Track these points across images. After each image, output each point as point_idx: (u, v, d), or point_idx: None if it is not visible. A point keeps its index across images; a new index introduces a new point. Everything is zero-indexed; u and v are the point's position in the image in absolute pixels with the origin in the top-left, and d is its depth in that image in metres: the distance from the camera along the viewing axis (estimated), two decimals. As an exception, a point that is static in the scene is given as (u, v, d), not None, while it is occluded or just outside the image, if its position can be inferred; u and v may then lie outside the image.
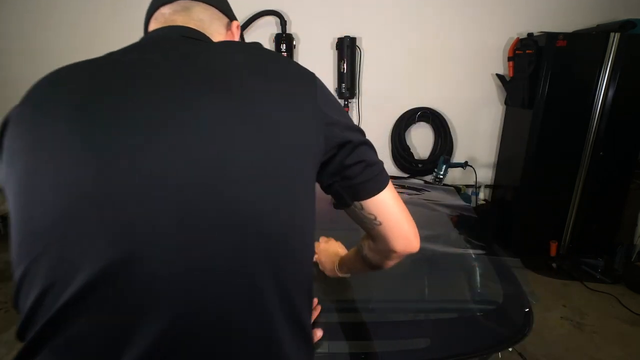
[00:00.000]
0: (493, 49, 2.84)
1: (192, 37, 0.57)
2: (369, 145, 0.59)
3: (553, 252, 2.64)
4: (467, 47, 2.84)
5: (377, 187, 0.58)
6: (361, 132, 0.59)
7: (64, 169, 0.42)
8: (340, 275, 0.87)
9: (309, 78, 0.54)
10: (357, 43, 2.79)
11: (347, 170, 0.56)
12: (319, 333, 0.76)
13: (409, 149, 3.03)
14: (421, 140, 3.07)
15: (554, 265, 2.60)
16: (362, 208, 0.59)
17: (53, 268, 0.42)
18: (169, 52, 0.51)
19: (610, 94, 2.38)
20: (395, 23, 2.82)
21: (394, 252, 0.63)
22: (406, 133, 3.01)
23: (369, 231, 0.64)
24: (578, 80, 2.42)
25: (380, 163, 0.60)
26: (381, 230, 0.61)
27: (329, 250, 0.93)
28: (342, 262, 0.86)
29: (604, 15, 2.69)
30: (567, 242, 2.69)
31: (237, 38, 0.69)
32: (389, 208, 0.60)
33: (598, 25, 2.60)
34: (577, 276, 2.51)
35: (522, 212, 2.71)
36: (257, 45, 0.56)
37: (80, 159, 0.42)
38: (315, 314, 0.81)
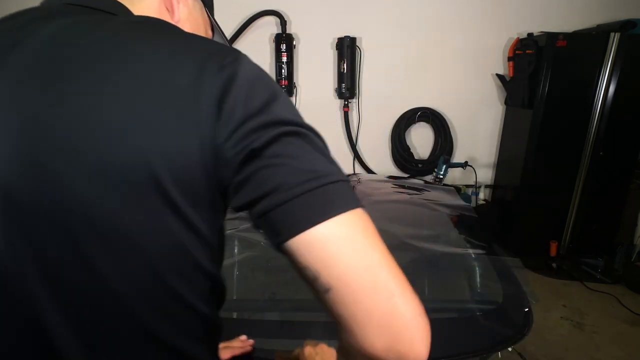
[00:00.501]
0: (493, 49, 2.84)
1: (85, 5, 0.42)
2: (300, 134, 0.36)
3: (553, 252, 2.64)
4: (467, 47, 2.85)
5: (308, 218, 0.33)
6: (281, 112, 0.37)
7: None
8: None
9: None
10: (357, 43, 2.79)
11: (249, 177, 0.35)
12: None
13: (409, 149, 3.03)
14: (421, 140, 3.07)
15: (554, 265, 2.60)
16: (285, 250, 0.35)
17: None
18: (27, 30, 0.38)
19: (610, 94, 2.38)
20: (396, 23, 2.82)
21: (370, 355, 0.33)
22: (406, 133, 3.01)
23: (324, 306, 0.35)
24: (578, 80, 2.42)
25: (327, 173, 0.35)
26: (333, 306, 0.34)
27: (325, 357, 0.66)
28: None
29: (604, 15, 2.69)
30: (567, 242, 2.69)
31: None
32: (343, 258, 0.32)
33: (598, 25, 2.60)
34: (577, 276, 2.51)
35: (522, 212, 2.70)
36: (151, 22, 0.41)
37: None
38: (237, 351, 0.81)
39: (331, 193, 0.34)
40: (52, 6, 0.43)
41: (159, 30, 0.40)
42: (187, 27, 0.50)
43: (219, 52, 0.37)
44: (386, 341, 0.32)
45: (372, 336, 0.32)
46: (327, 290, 0.33)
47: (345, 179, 0.36)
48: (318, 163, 0.35)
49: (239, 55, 0.38)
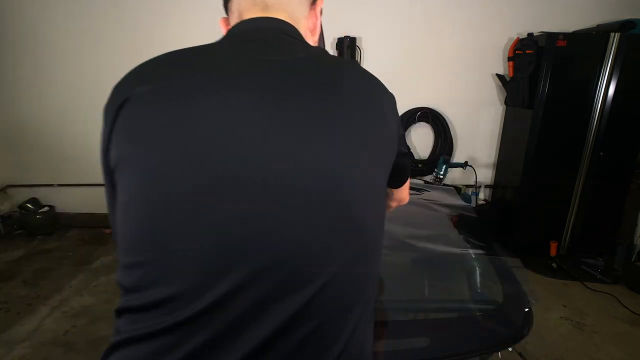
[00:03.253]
0: (493, 49, 2.84)
1: (288, 34, 0.56)
2: (410, 154, 0.74)
3: (553, 252, 2.64)
4: (467, 47, 2.84)
5: (402, 182, 0.78)
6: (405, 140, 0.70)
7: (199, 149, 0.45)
8: None
9: (390, 96, 0.62)
10: (357, 43, 2.79)
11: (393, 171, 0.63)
12: None
13: (409, 149, 3.02)
14: (421, 140, 3.07)
15: (554, 265, 2.60)
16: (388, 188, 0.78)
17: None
18: (269, 52, 0.52)
19: (610, 94, 2.38)
20: (395, 23, 2.82)
21: (389, 206, 0.86)
22: (406, 133, 3.01)
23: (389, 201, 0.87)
24: (578, 80, 2.42)
25: (410, 167, 0.75)
26: (391, 196, 0.83)
27: None
28: None
29: (604, 15, 2.69)
30: (567, 242, 2.69)
31: (318, 23, 0.66)
32: (401, 189, 0.80)
33: (598, 25, 2.60)
34: (577, 276, 2.51)
35: (522, 212, 2.70)
36: (348, 61, 0.61)
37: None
38: None
39: (409, 173, 0.78)
40: (267, 31, 0.56)
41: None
42: (315, 41, 0.67)
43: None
44: (397, 203, 0.87)
45: (393, 203, 0.86)
46: (392, 194, 0.83)
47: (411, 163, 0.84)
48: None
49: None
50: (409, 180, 0.81)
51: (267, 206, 0.44)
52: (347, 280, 0.49)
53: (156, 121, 0.45)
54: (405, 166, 0.71)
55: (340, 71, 0.54)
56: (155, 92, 0.47)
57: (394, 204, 0.86)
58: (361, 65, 2.87)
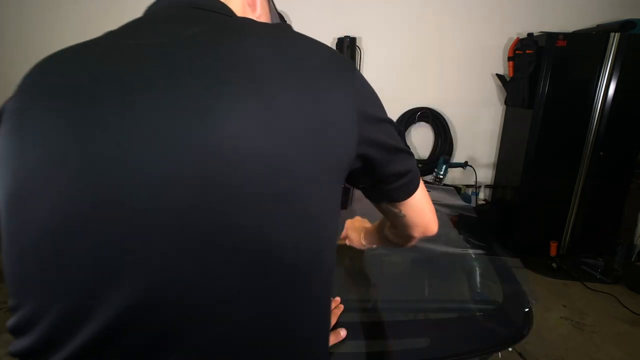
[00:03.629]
0: (493, 49, 2.84)
1: (202, 8, 0.46)
2: (407, 152, 0.54)
3: (553, 252, 2.64)
4: (467, 47, 2.84)
5: (407, 193, 0.56)
6: (401, 135, 0.54)
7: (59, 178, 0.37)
8: (365, 246, 0.93)
9: (347, 66, 0.46)
10: (357, 43, 2.79)
11: (380, 180, 0.53)
12: (342, 333, 0.77)
13: (409, 148, 3.02)
14: (421, 140, 3.07)
15: (554, 265, 2.60)
16: (387, 204, 0.59)
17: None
18: (172, 34, 0.41)
19: (610, 94, 2.39)
20: (395, 23, 2.82)
21: (413, 237, 0.66)
22: (406, 133, 3.01)
23: (391, 220, 0.65)
24: (578, 80, 2.42)
25: (415, 170, 0.56)
26: (403, 222, 0.61)
27: (355, 224, 0.98)
28: (366, 235, 0.91)
29: (604, 15, 2.69)
30: (567, 242, 2.69)
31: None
32: (415, 205, 0.58)
33: (598, 25, 2.60)
34: (577, 276, 2.51)
35: (522, 212, 2.71)
36: (287, 31, 0.45)
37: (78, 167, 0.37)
38: (337, 312, 0.83)
39: (417, 179, 0.57)
40: (178, 7, 0.46)
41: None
42: (263, 19, 0.57)
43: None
44: (422, 232, 0.64)
45: (417, 231, 0.63)
46: (404, 216, 0.60)
47: (416, 166, 0.57)
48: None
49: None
50: (426, 196, 0.60)
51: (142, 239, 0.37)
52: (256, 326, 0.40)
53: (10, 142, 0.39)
54: (402, 169, 0.53)
55: (251, 48, 0.40)
56: (20, 108, 0.40)
57: (415, 233, 0.63)
58: (361, 65, 2.90)
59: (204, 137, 0.36)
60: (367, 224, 0.96)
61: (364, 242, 0.93)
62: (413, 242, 0.69)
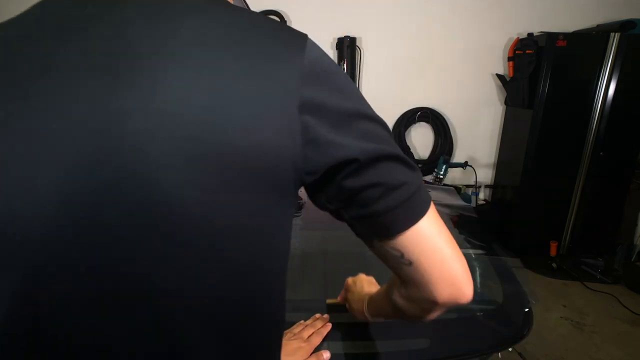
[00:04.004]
0: (493, 49, 2.84)
1: None
2: (401, 160, 0.39)
3: (553, 252, 2.64)
4: (467, 47, 2.84)
5: (405, 220, 0.38)
6: (383, 133, 0.40)
7: None
8: (370, 318, 0.66)
9: (293, 40, 0.35)
10: (357, 43, 2.79)
11: (355, 196, 0.38)
12: (325, 355, 0.71)
13: (409, 149, 3.03)
14: (421, 140, 3.07)
15: (554, 265, 2.60)
16: (380, 242, 0.41)
17: None
18: (63, 18, 0.34)
19: (610, 94, 2.38)
20: (396, 23, 2.82)
21: (434, 302, 0.42)
22: (406, 133, 3.01)
23: (395, 271, 0.44)
24: (578, 80, 2.42)
25: (417, 186, 0.39)
26: (412, 273, 0.41)
27: (357, 287, 0.73)
28: (371, 304, 0.64)
29: (604, 15, 2.69)
30: (567, 242, 2.69)
31: None
32: (423, 243, 0.40)
33: (598, 25, 2.60)
34: (577, 276, 2.51)
35: (522, 212, 2.70)
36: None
37: None
38: (324, 332, 0.77)
39: (418, 200, 0.40)
40: None
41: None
42: None
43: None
44: (450, 293, 0.41)
45: (440, 290, 0.41)
46: (410, 263, 0.41)
47: (419, 181, 0.41)
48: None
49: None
50: (444, 233, 0.41)
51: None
52: None
53: None
54: (390, 180, 0.37)
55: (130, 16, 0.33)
56: None
57: (436, 294, 0.41)
58: (361, 65, 2.90)
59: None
60: (375, 287, 0.71)
61: (368, 315, 0.65)
62: (437, 313, 0.46)
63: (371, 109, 0.40)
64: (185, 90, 0.31)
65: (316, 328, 0.78)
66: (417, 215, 0.39)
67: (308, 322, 0.80)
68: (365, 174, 0.36)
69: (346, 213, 0.40)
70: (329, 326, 0.79)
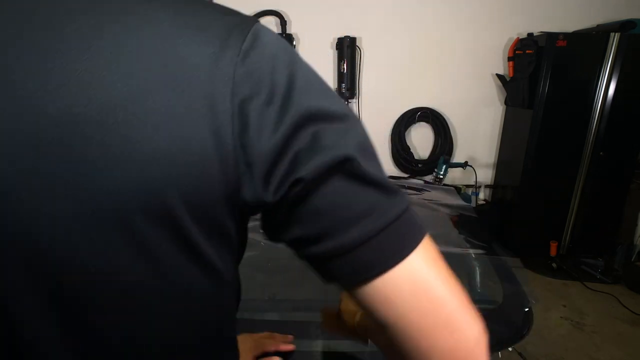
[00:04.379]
0: (493, 49, 2.84)
1: None
2: (374, 184, 0.29)
3: (553, 252, 2.64)
4: (467, 47, 2.84)
5: (375, 264, 0.29)
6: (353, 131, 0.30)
7: None
8: (360, 337, 0.56)
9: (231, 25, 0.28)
10: (357, 43, 2.78)
11: (302, 227, 0.29)
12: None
13: (409, 149, 3.03)
14: (421, 140, 3.07)
15: (554, 265, 2.60)
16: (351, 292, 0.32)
17: None
18: None
19: (610, 94, 2.38)
20: (395, 23, 2.82)
21: None
22: (406, 133, 3.01)
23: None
24: (578, 80, 2.42)
25: (393, 212, 0.29)
26: (393, 341, 0.31)
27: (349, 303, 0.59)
28: (361, 322, 0.53)
29: (604, 15, 2.69)
30: (567, 242, 2.69)
31: None
32: (406, 300, 0.29)
33: (598, 25, 2.60)
34: (577, 276, 2.51)
35: (522, 212, 2.70)
36: None
37: None
38: (279, 347, 0.75)
39: (400, 232, 0.29)
40: None
41: None
42: None
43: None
44: None
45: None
46: (385, 326, 0.30)
47: (406, 204, 0.30)
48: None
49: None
50: (443, 280, 0.31)
51: None
52: None
53: None
54: (354, 205, 0.28)
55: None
56: None
57: None
58: (361, 65, 2.90)
59: None
60: None
61: (359, 332, 0.53)
62: None
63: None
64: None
65: (276, 340, 0.77)
66: (396, 255, 0.28)
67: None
68: (313, 197, 0.28)
69: (308, 255, 0.31)
70: (292, 347, 0.77)
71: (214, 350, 0.37)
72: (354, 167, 0.28)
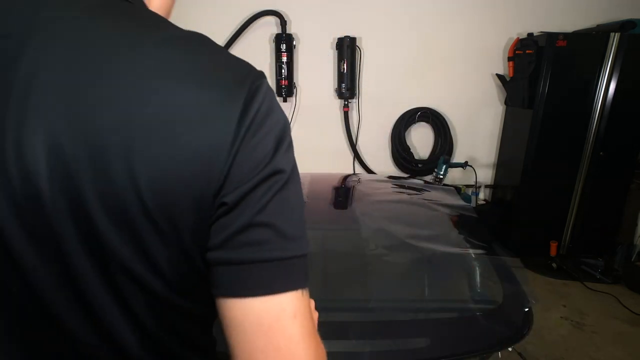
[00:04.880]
0: (493, 49, 2.84)
1: None
2: (269, 227, 0.32)
3: (553, 252, 2.64)
4: (467, 47, 2.84)
5: (239, 283, 0.31)
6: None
7: None
8: None
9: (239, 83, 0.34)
10: (357, 43, 2.79)
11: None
12: None
13: (409, 149, 3.03)
14: (421, 140, 3.07)
15: (554, 265, 2.60)
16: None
17: None
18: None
19: (610, 94, 2.39)
20: (395, 23, 2.82)
21: None
22: (406, 133, 3.01)
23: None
24: (578, 80, 2.42)
25: (278, 254, 0.32)
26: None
27: None
28: None
29: (604, 15, 2.69)
30: (567, 242, 2.69)
31: None
32: (254, 333, 0.30)
33: (598, 25, 2.60)
34: (577, 276, 2.51)
35: (522, 212, 2.70)
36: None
37: None
38: None
39: (271, 270, 0.32)
40: None
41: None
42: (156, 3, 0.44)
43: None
44: None
45: None
46: (230, 348, 0.32)
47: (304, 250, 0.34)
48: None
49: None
50: (302, 335, 0.32)
51: None
52: None
53: None
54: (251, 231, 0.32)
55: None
56: None
57: None
58: (361, 65, 2.90)
59: None
60: None
61: None
62: None
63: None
64: None
65: None
66: (263, 284, 0.30)
67: None
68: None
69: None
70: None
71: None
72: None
